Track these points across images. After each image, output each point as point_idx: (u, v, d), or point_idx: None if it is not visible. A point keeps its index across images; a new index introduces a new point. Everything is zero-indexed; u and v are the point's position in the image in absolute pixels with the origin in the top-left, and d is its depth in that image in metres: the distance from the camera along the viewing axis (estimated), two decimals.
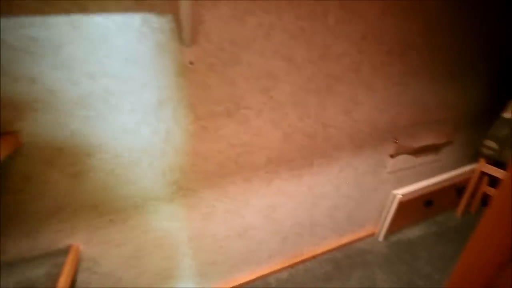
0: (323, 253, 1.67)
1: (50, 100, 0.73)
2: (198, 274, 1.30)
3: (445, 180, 1.90)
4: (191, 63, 0.85)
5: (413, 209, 1.85)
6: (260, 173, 1.19)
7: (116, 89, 0.79)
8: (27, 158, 0.76)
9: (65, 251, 0.89)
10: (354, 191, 1.60)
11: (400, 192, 1.70)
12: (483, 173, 1.89)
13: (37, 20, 0.64)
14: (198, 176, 1.04)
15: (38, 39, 0.66)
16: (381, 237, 1.81)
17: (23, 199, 0.80)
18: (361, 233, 1.82)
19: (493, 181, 1.90)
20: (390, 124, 1.46)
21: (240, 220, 1.26)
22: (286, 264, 1.55)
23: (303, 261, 1.61)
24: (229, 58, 0.90)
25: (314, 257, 1.64)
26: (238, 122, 1.02)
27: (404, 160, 1.69)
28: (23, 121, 0.72)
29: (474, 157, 2.00)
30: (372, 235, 1.85)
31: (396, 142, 1.55)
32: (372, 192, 1.69)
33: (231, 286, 1.41)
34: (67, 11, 0.66)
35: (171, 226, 1.09)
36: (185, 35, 0.78)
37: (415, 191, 1.76)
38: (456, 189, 2.01)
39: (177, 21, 0.77)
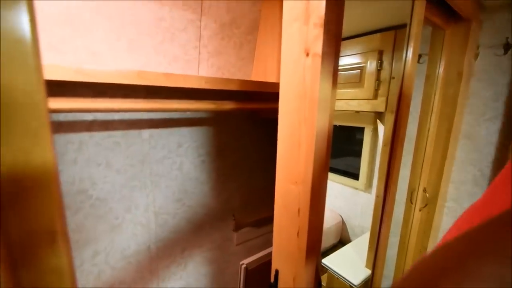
0: None
1: None
2: None
3: None
4: None
5: (263, 277, 2.13)
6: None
7: None
8: None
9: None
10: (202, 267, 1.78)
11: (246, 262, 1.97)
12: None
13: None
14: None
15: None
16: None
17: None
18: None
19: None
20: (225, 204, 1.82)
21: None
22: None
23: None
24: None
25: None
26: None
27: (248, 231, 2.03)
28: None
29: None
30: None
31: (234, 219, 1.89)
32: (224, 265, 1.91)
33: None
34: None
35: None
36: None
37: (260, 258, 2.08)
38: None
39: None
